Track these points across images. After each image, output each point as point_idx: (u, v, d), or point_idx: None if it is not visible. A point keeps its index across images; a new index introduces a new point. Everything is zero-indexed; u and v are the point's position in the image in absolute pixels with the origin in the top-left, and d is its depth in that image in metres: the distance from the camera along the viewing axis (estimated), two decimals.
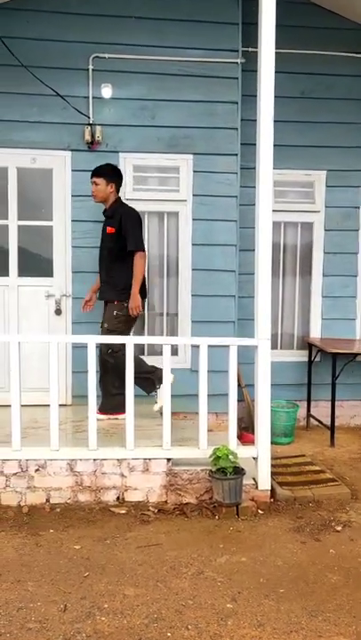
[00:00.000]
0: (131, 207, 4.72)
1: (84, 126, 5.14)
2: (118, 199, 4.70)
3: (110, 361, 4.57)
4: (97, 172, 4.68)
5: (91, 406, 3.90)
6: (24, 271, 5.27)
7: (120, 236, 4.56)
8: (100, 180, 4.66)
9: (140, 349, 5.34)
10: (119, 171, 4.81)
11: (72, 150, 5.18)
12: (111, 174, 4.70)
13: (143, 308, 4.70)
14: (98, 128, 5.15)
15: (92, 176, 4.69)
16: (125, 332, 4.62)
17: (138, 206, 5.29)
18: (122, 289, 4.58)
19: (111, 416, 4.63)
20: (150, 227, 5.47)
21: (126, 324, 4.63)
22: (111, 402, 4.65)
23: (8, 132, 5.14)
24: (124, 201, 4.88)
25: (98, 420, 4.19)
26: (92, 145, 5.16)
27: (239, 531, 3.62)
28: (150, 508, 3.88)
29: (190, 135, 5.29)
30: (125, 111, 5.23)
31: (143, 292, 4.68)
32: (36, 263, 5.40)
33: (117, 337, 4.23)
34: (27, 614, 2.70)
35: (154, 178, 5.39)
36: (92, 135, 5.14)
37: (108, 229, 4.62)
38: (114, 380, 4.63)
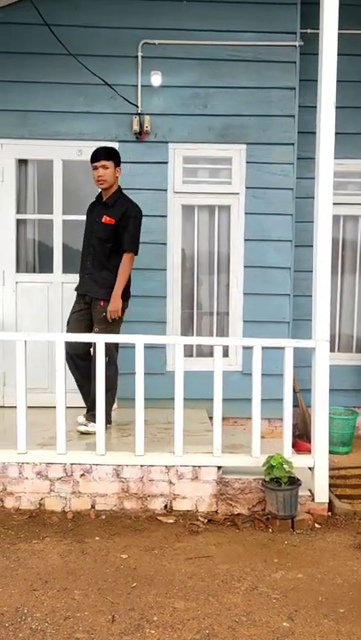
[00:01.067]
0: (134, 202, 4.57)
1: (133, 116, 5.20)
2: (120, 188, 4.59)
3: (105, 372, 4.14)
4: (107, 155, 4.47)
5: (138, 409, 3.94)
6: (69, 268, 5.36)
7: (118, 230, 4.44)
8: (110, 164, 4.46)
9: (188, 350, 5.37)
10: None
11: (120, 141, 5.24)
12: (119, 158, 4.56)
13: (124, 313, 4.52)
14: (147, 118, 5.21)
15: (100, 159, 4.43)
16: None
17: (187, 200, 5.37)
18: (112, 285, 4.48)
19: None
20: (200, 221, 5.49)
21: (118, 326, 4.53)
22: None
23: (54, 123, 5.25)
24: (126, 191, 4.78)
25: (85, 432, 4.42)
26: (140, 135, 5.23)
27: (295, 545, 3.60)
28: (200, 517, 3.90)
29: (244, 124, 5.29)
30: (175, 99, 5.27)
31: (126, 295, 4.52)
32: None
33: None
34: (74, 624, 2.76)
35: (204, 169, 5.41)
36: (141, 125, 5.20)
37: (106, 219, 4.47)
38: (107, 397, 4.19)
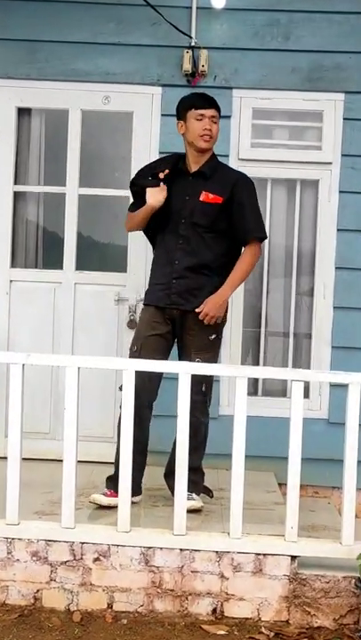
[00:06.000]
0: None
1: (184, 50, 5.25)
2: (214, 153, 4.63)
3: (201, 417, 4.45)
4: (216, 104, 4.49)
5: (179, 467, 3.93)
6: (85, 263, 5.43)
7: (225, 212, 4.48)
8: (218, 118, 4.50)
9: (251, 385, 5.34)
10: None
11: (163, 85, 5.31)
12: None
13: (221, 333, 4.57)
14: (203, 53, 5.24)
15: (213, 106, 4.47)
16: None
17: (257, 170, 5.37)
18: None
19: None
20: (274, 202, 5.50)
21: (218, 352, 4.60)
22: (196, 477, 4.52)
23: (72, 58, 5.34)
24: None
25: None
26: (193, 78, 5.27)
27: None
28: (263, 629, 3.86)
29: (341, 64, 5.30)
30: (245, 28, 5.31)
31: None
32: (102, 252, 5.55)
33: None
34: None
35: (283, 128, 5.44)
36: (195, 64, 5.24)
37: (208, 196, 4.46)
38: (202, 441, 4.51)
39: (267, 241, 5.42)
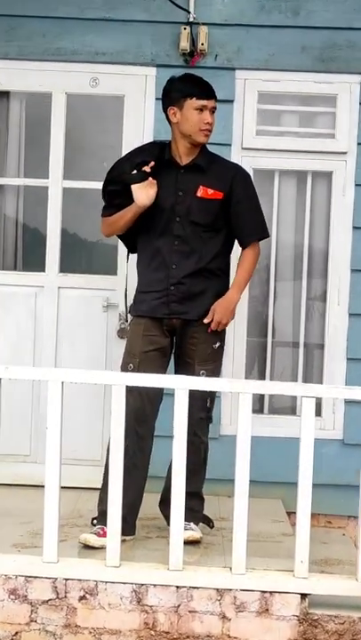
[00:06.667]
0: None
1: (181, 27, 5.24)
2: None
3: (203, 437, 4.49)
4: (215, 93, 4.44)
5: (175, 496, 3.92)
6: (69, 265, 5.44)
7: (225, 208, 4.46)
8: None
9: (257, 402, 5.33)
10: None
11: (158, 66, 5.31)
12: None
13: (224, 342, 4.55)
14: (203, 30, 5.23)
15: (213, 97, 4.41)
16: None
17: (263, 161, 5.42)
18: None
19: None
20: (282, 196, 5.51)
21: (222, 362, 4.60)
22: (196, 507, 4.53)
23: (55, 35, 5.33)
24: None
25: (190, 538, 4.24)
26: (191, 57, 5.27)
27: None
28: None
29: (358, 42, 5.31)
30: (249, 2, 5.32)
31: None
32: (89, 252, 5.55)
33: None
34: None
35: (292, 114, 5.46)
36: (194, 41, 5.23)
37: (207, 192, 4.43)
38: (203, 464, 4.54)
39: (274, 240, 5.46)
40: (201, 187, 4.41)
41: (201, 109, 4.33)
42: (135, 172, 4.35)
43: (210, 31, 5.26)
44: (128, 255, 4.70)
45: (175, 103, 4.36)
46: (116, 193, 4.47)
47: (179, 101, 4.35)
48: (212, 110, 4.39)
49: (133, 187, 4.32)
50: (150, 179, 4.33)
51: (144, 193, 4.31)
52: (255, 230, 4.50)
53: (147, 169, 4.33)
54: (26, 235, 5.60)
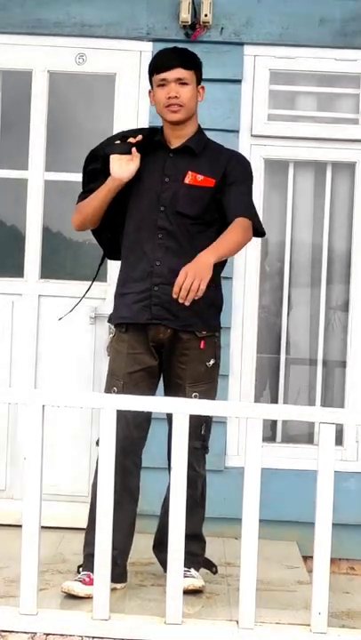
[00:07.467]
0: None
1: None
2: (199, 126, 4.53)
3: (199, 469, 4.40)
4: (185, 61, 4.34)
5: (173, 542, 3.88)
6: (52, 269, 5.45)
7: (216, 199, 4.38)
8: (190, 77, 4.34)
9: (268, 428, 5.32)
10: None
11: (154, 40, 5.30)
12: (201, 71, 4.46)
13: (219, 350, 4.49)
14: (206, 0, 5.24)
15: (175, 65, 4.31)
16: None
17: (275, 150, 5.45)
18: (218, 306, 4.49)
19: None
20: (298, 189, 5.53)
21: (217, 382, 4.55)
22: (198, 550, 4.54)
23: (36, 5, 5.34)
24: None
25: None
26: (193, 31, 5.27)
27: None
28: None
29: None
30: None
31: (217, 307, 4.48)
32: (74, 255, 5.54)
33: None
34: None
35: (309, 95, 5.48)
36: (195, 12, 5.24)
37: (197, 177, 4.36)
38: (202, 500, 4.48)
39: (288, 241, 5.48)
40: (190, 172, 4.34)
41: (163, 83, 4.29)
42: (118, 142, 4.33)
43: (215, 0, 5.26)
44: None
45: (151, 85, 4.36)
46: (96, 173, 4.41)
47: (150, 83, 4.36)
48: (180, 82, 4.29)
49: (112, 156, 4.25)
50: (134, 151, 4.27)
51: (122, 167, 4.25)
52: (246, 209, 4.37)
53: (132, 140, 4.28)
54: (1, 235, 5.59)
